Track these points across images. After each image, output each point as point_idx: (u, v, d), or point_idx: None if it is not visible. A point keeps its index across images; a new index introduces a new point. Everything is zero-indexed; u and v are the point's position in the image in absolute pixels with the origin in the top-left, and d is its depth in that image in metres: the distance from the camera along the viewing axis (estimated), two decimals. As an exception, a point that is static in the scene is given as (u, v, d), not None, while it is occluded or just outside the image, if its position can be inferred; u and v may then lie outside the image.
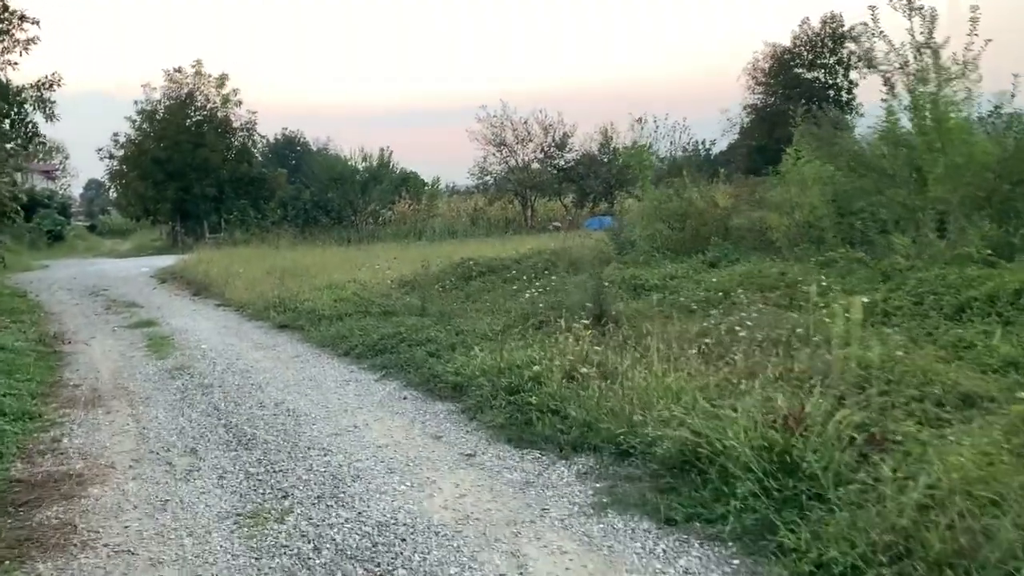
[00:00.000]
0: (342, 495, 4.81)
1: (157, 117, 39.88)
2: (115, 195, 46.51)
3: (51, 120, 15.16)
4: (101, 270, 26.93)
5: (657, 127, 43.71)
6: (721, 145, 52.89)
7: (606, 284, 9.29)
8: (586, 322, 8.05)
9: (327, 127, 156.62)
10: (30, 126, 14.58)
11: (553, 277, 12.78)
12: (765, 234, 13.45)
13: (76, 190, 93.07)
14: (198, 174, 38.92)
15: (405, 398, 7.29)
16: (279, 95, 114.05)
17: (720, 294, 9.44)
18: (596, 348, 6.73)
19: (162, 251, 37.55)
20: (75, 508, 4.76)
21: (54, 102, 14.85)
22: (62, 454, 5.92)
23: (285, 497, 4.81)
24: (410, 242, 32.14)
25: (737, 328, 6.98)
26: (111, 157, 40.47)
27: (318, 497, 4.79)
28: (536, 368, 6.46)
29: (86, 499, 4.92)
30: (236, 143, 41.49)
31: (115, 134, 40.28)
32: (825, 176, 13.13)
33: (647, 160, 13.89)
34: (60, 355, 10.53)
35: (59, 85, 14.66)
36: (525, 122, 41.96)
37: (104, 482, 5.23)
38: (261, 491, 4.94)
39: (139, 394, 8.01)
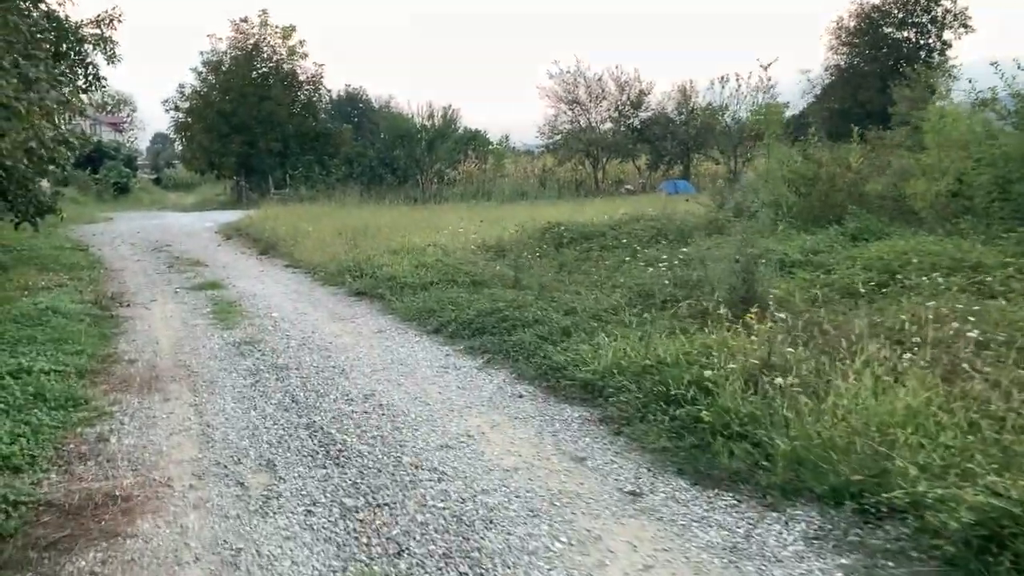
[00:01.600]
0: (476, 554, 3.48)
1: (223, 68, 38.97)
2: (180, 148, 45.97)
3: (112, 62, 14.04)
4: (165, 224, 26.18)
5: (739, 86, 41.40)
6: (796, 108, 49.54)
7: (762, 260, 7.75)
8: (729, 309, 6.61)
9: (390, 83, 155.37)
10: (90, 68, 13.44)
11: (658, 247, 11.30)
12: (904, 203, 11.73)
13: (143, 143, 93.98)
14: (263, 128, 38.00)
15: (521, 396, 5.94)
16: (341, 50, 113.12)
17: (885, 275, 7.87)
18: (788, 348, 5.22)
19: (226, 206, 36.89)
20: (117, 556, 3.52)
21: (116, 42, 13.73)
22: (108, 461, 4.71)
23: (399, 554, 3.50)
24: (478, 203, 30.78)
25: (951, 322, 5.43)
26: (176, 109, 39.79)
27: (444, 557, 3.47)
28: (707, 371, 5.00)
29: (132, 539, 3.68)
30: (302, 97, 40.44)
31: (181, 85, 39.64)
32: (981, 136, 11.31)
33: (777, 116, 12.12)
34: (117, 320, 9.45)
35: (120, 21, 13.50)
36: (599, 79, 40.15)
37: (157, 511, 3.99)
38: (364, 540, 3.64)
39: (203, 375, 6.82)
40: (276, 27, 39.58)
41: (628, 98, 40.56)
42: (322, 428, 5.26)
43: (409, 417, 5.48)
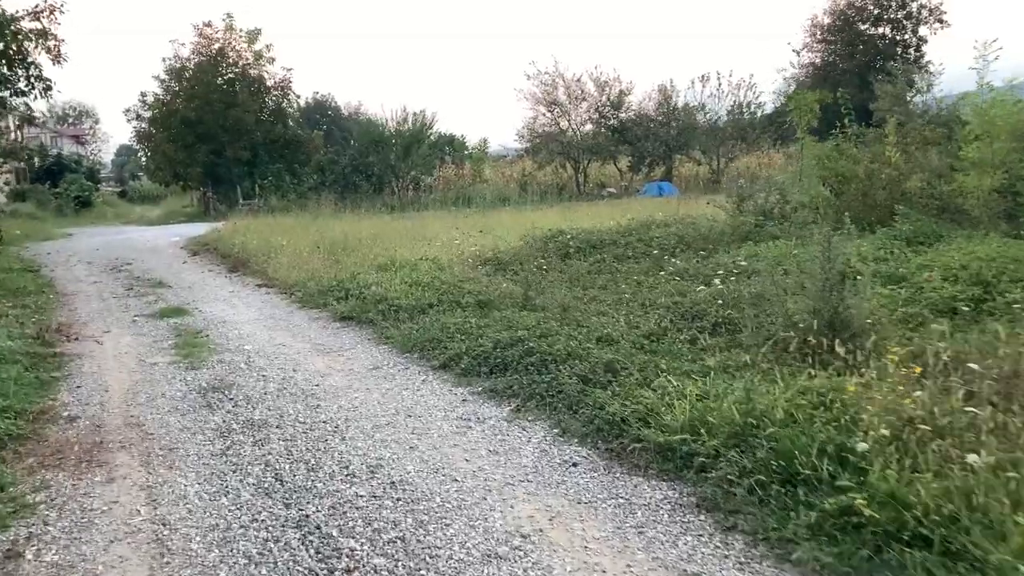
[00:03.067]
0: None
1: (187, 75, 37.25)
2: (144, 159, 44.06)
3: (58, 62, 12.50)
4: (128, 239, 24.50)
5: (720, 85, 40.48)
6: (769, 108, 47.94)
7: (857, 276, 6.45)
8: (816, 337, 5.32)
9: (359, 90, 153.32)
10: (31, 68, 11.89)
11: (683, 256, 10.01)
12: (950, 201, 10.54)
13: (107, 156, 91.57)
14: (230, 136, 36.34)
15: (575, 464, 4.58)
16: (306, 57, 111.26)
17: (976, 287, 6.63)
18: (956, 401, 3.89)
19: (193, 218, 35.20)
20: None
21: (60, 39, 12.18)
22: (16, 598, 3.30)
23: None
24: (458, 210, 29.42)
25: None
26: (138, 118, 38.00)
27: None
28: (857, 441, 3.66)
29: None
30: (270, 103, 38.79)
31: (143, 93, 37.86)
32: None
33: (811, 105, 10.87)
34: (60, 360, 7.96)
35: (61, 12, 11.95)
36: (578, 79, 38.95)
37: None
38: None
39: (160, 438, 5.39)
40: (241, 31, 38.01)
41: (608, 99, 39.42)
42: (319, 527, 3.86)
43: (434, 503, 4.11)
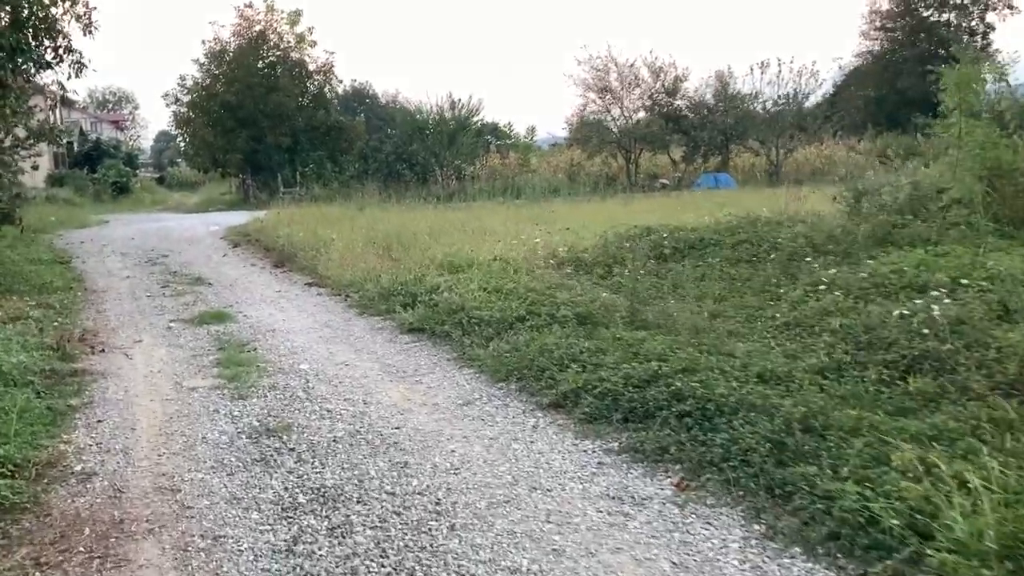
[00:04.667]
0: None
1: (227, 58, 36.09)
2: (182, 144, 43.05)
3: (89, 32, 11.15)
4: (164, 228, 23.34)
5: (780, 72, 38.44)
6: (816, 98, 44.99)
7: None
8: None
9: (398, 77, 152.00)
10: (60, 39, 10.56)
11: (818, 262, 8.40)
12: None
13: (147, 142, 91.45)
14: (271, 121, 35.13)
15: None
16: (345, 43, 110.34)
17: None
18: None
19: (233, 206, 34.12)
20: None
21: (93, 7, 10.82)
22: None
23: None
24: (507, 201, 27.93)
25: None
26: (177, 102, 36.92)
27: None
28: None
29: None
30: (312, 88, 37.52)
31: (181, 77, 36.77)
32: None
33: (977, 84, 9.20)
34: (80, 382, 6.58)
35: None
36: (631, 64, 37.13)
37: None
38: None
39: (202, 518, 3.95)
40: (282, 12, 36.76)
41: (663, 85, 37.58)
42: None
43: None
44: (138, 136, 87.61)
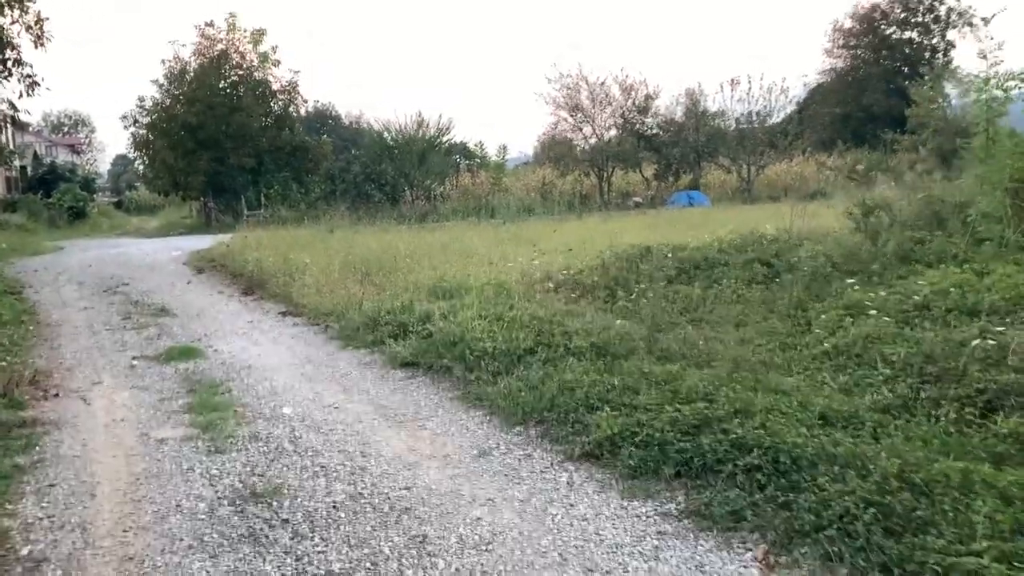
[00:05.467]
0: None
1: (187, 78, 35.01)
2: (141, 167, 41.70)
3: (41, 44, 10.27)
4: (124, 254, 22.25)
5: (750, 89, 38.34)
6: (780, 115, 44.52)
7: None
8: None
9: (361, 99, 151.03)
10: (8, 50, 9.66)
11: (843, 282, 7.78)
12: None
13: (104, 166, 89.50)
14: (234, 142, 34.08)
15: None
16: (307, 65, 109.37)
17: None
18: None
19: (194, 230, 32.97)
20: None
21: (44, 17, 9.91)
22: None
23: None
24: (481, 221, 27.26)
25: None
26: (136, 123, 35.70)
27: None
28: None
29: None
30: (276, 108, 36.53)
31: (140, 98, 35.57)
32: None
33: (1009, 92, 8.67)
34: (32, 433, 5.70)
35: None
36: (602, 83, 36.77)
37: None
38: None
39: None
40: (245, 32, 35.83)
41: (634, 103, 37.24)
42: None
43: None
44: (95, 160, 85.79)
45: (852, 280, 7.75)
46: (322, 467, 4.87)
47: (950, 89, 40.67)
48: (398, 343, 7.84)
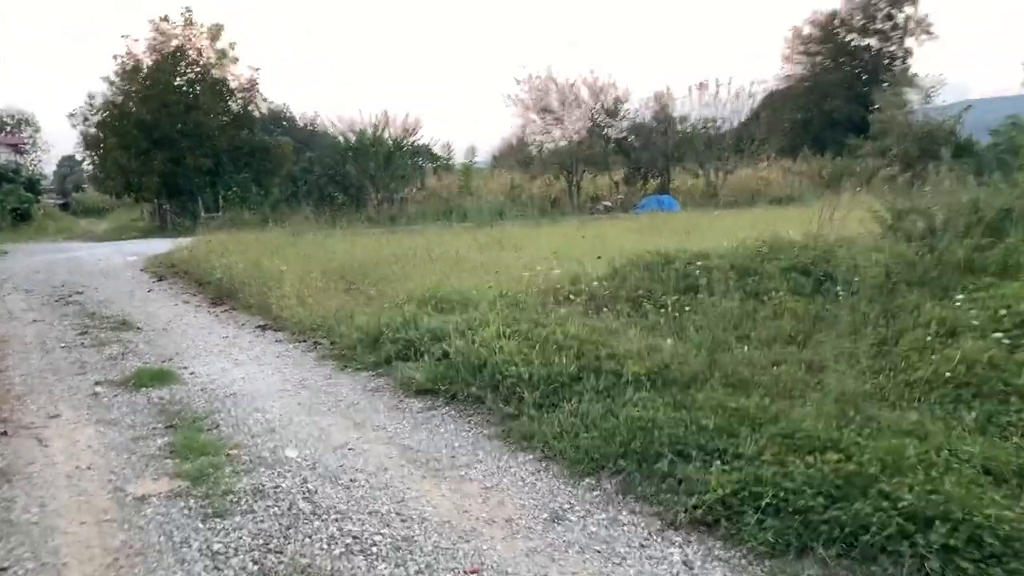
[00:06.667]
0: None
1: (141, 75, 33.35)
2: (91, 167, 39.69)
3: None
4: (75, 259, 20.77)
5: (718, 93, 37.95)
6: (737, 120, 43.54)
7: None
8: None
9: (319, 100, 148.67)
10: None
11: (910, 296, 6.94)
12: None
13: (49, 167, 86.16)
14: (190, 142, 32.54)
15: None
16: (263, 64, 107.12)
17: None
18: None
19: (148, 233, 31.40)
20: None
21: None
22: None
23: None
24: (452, 224, 26.26)
25: None
26: (85, 122, 33.95)
27: None
28: None
29: None
30: (234, 107, 35.02)
31: (90, 95, 33.87)
32: None
33: None
34: (-27, 491, 4.56)
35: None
36: (572, 85, 35.95)
37: None
38: None
39: None
40: (202, 27, 34.30)
41: (603, 106, 36.48)
42: None
43: None
44: (40, 160, 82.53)
45: (916, 293, 6.91)
46: (355, 538, 3.83)
47: (912, 96, 40.96)
48: (409, 365, 6.80)
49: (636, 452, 4.42)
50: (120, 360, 8.06)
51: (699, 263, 8.97)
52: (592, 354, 6.04)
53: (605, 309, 8.38)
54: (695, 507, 3.79)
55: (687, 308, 7.69)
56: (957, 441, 4.04)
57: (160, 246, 21.23)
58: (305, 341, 8.75)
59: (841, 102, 51.65)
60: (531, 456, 4.85)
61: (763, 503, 3.61)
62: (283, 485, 4.56)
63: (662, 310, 7.88)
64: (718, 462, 4.01)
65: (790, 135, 50.61)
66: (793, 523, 3.46)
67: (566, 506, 4.11)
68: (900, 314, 6.57)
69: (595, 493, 4.25)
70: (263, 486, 4.54)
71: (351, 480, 4.62)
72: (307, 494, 4.42)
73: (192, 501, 4.34)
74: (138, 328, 9.94)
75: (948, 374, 5.16)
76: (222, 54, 34.55)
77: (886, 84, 43.84)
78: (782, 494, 3.61)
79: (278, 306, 10.23)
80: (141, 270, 17.17)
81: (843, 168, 40.31)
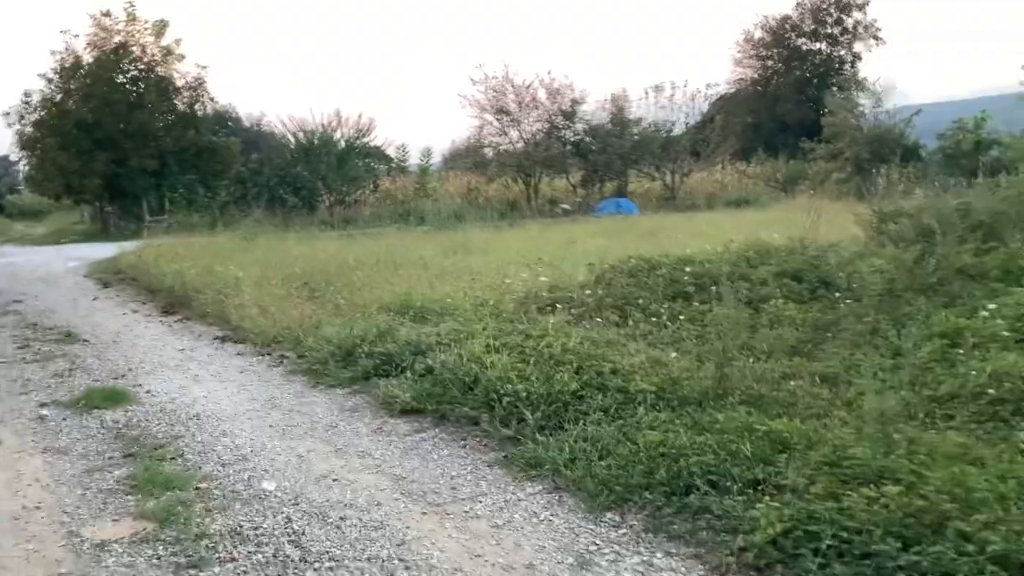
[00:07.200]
0: None
1: (81, 72, 32.02)
2: (28, 168, 38.04)
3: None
4: (11, 264, 19.73)
5: (673, 95, 37.94)
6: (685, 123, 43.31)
7: None
8: None
9: (264, 100, 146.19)
10: None
11: (912, 304, 6.65)
12: None
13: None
14: (134, 142, 31.28)
15: None
16: (208, 64, 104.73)
17: None
18: None
19: (90, 237, 30.09)
20: None
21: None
22: None
23: None
24: (410, 227, 25.75)
25: None
26: (21, 120, 32.43)
27: None
28: None
29: None
30: (180, 106, 33.84)
31: (26, 94, 32.30)
32: None
33: None
34: (-99, 540, 3.94)
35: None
36: (528, 86, 35.55)
37: None
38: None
39: None
40: (146, 23, 33.05)
41: (560, 108, 36.16)
42: None
43: None
44: (-31, 161, 79.49)
45: (923, 300, 6.63)
46: (360, 596, 3.32)
47: (863, 100, 41.47)
48: (390, 382, 6.28)
49: (662, 483, 3.98)
50: (67, 377, 7.39)
51: (687, 269, 8.60)
52: (593, 369, 5.60)
53: (592, 318, 7.95)
54: (743, 549, 3.36)
55: (681, 317, 7.30)
56: (1018, 467, 3.68)
57: (104, 251, 20.28)
58: (270, 354, 8.16)
59: (792, 106, 52.19)
60: (540, 487, 4.39)
61: (823, 545, 3.20)
62: (264, 525, 4.03)
63: (654, 319, 7.49)
64: (767, 498, 3.58)
65: (742, 138, 51.04)
66: (864, 570, 3.05)
67: (592, 547, 3.66)
68: (908, 323, 6.26)
69: (621, 531, 3.80)
70: (241, 527, 4.00)
71: (341, 518, 4.10)
72: (293, 536, 3.90)
73: (161, 548, 3.78)
74: (85, 340, 9.23)
75: (977, 389, 4.84)
76: (167, 51, 33.34)
77: (836, 88, 44.31)
78: (844, 534, 3.21)
79: (237, 315, 9.59)
80: (84, 276, 16.30)
81: (796, 171, 40.72)
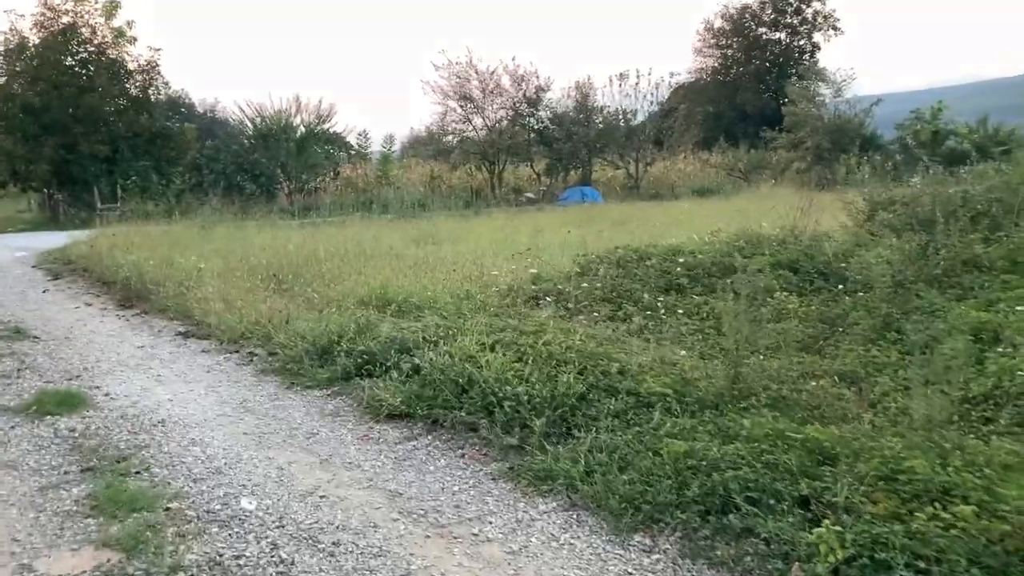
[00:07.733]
0: None
1: (27, 54, 30.73)
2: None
3: None
4: (-47, 254, 18.69)
5: (638, 83, 37.67)
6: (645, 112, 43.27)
7: None
8: None
9: (217, 86, 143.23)
10: None
11: (924, 296, 6.35)
12: None
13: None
14: (85, 127, 30.14)
15: None
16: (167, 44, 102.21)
17: None
18: None
19: (38, 226, 28.92)
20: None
21: None
22: None
23: None
24: (373, 216, 25.12)
25: None
26: (-36, 103, 31.03)
27: None
28: None
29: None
30: (133, 90, 32.67)
31: (-32, 75, 30.91)
32: None
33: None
34: None
35: None
36: (492, 72, 35.01)
37: None
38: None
39: None
40: (96, 3, 31.79)
41: (524, 95, 35.69)
42: None
43: None
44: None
45: (934, 292, 6.32)
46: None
47: (823, 89, 41.62)
48: (374, 383, 5.80)
49: (695, 500, 3.58)
50: (15, 379, 6.76)
51: (679, 260, 8.23)
52: (599, 369, 5.18)
53: (583, 312, 7.55)
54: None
55: (679, 311, 6.92)
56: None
57: (53, 240, 19.39)
58: (237, 351, 7.62)
59: (752, 95, 52.43)
60: (554, 504, 3.96)
61: (895, 575, 2.82)
62: (248, 553, 3.55)
63: (649, 312, 7.11)
64: (826, 520, 3.19)
65: (704, 128, 51.14)
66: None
67: (624, 577, 3.24)
68: (922, 317, 5.94)
69: (654, 557, 3.39)
70: (221, 556, 3.52)
71: (334, 543, 3.64)
72: (282, 567, 3.43)
73: (129, 584, 3.28)
74: (35, 337, 8.57)
75: (1014, 389, 4.53)
76: (119, 33, 32.14)
77: (795, 78, 44.41)
78: (920, 563, 2.83)
79: (200, 309, 9.01)
80: (33, 267, 15.46)
81: (758, 160, 40.83)
